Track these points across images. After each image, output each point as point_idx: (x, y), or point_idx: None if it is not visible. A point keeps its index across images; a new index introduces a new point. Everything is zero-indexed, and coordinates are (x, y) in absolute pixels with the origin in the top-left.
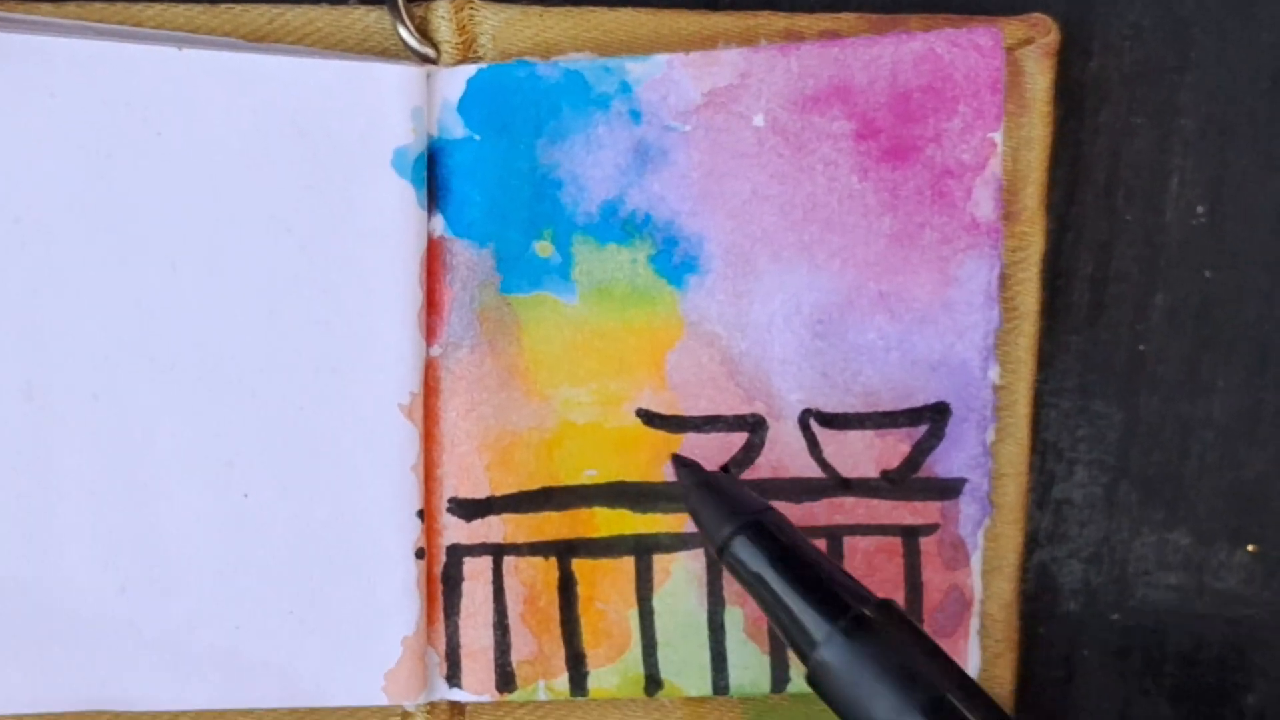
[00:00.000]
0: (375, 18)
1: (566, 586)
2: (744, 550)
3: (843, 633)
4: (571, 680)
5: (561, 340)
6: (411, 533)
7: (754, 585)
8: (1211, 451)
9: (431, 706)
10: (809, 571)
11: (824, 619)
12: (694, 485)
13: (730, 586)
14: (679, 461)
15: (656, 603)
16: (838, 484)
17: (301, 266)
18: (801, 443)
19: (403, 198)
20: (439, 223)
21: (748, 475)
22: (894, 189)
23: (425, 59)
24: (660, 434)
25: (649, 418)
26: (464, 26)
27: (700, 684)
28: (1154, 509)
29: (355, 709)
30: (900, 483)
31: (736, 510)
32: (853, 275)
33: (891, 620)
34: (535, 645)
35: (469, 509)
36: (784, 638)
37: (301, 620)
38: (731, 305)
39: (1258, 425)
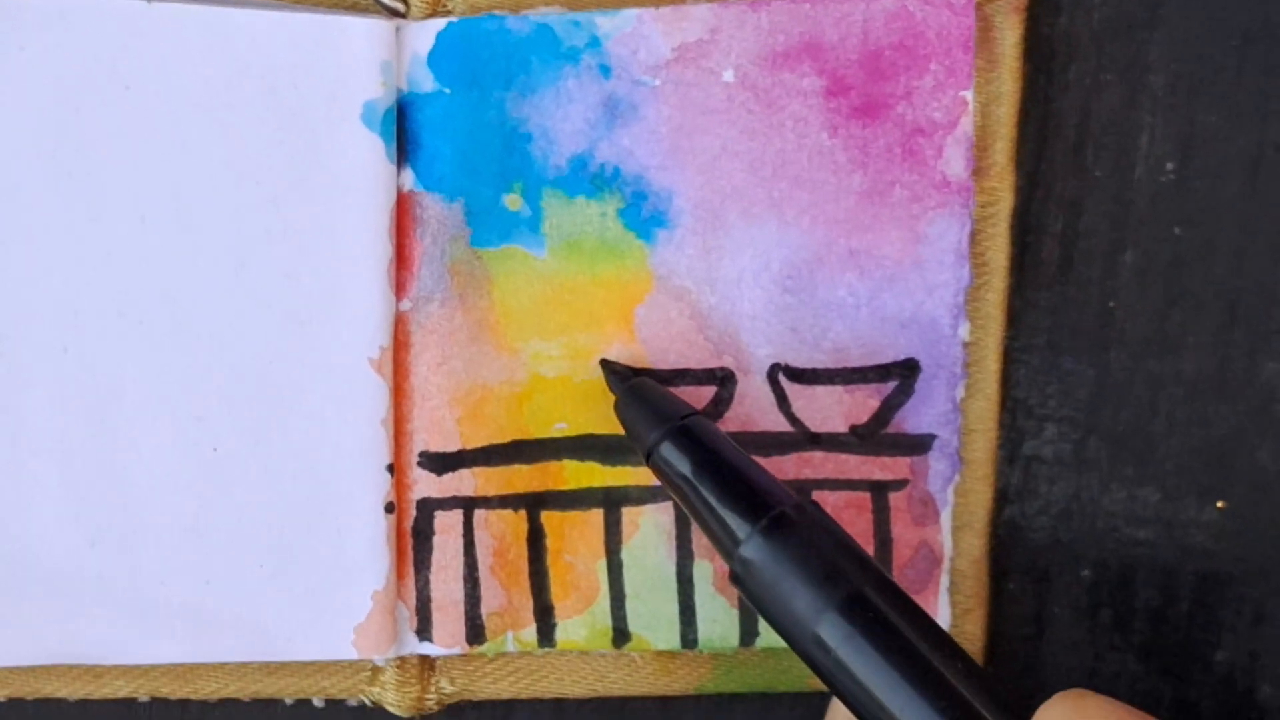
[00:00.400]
0: None
1: (535, 539)
2: (670, 454)
3: (763, 532)
4: (539, 632)
5: (531, 294)
6: (381, 487)
7: (680, 489)
8: (1181, 408)
9: (401, 661)
10: (732, 474)
11: (745, 519)
12: (622, 391)
13: (699, 540)
14: (608, 367)
15: (625, 555)
16: (806, 438)
17: (271, 220)
18: (770, 397)
19: (372, 151)
20: (409, 176)
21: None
22: (864, 146)
23: (394, 12)
24: None
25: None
26: None
27: (669, 637)
28: (1123, 465)
29: (325, 663)
30: (869, 438)
31: (663, 416)
32: (822, 232)
33: (811, 519)
34: (504, 597)
35: (439, 462)
36: (710, 540)
37: (271, 574)
38: (701, 260)
39: (1226, 382)
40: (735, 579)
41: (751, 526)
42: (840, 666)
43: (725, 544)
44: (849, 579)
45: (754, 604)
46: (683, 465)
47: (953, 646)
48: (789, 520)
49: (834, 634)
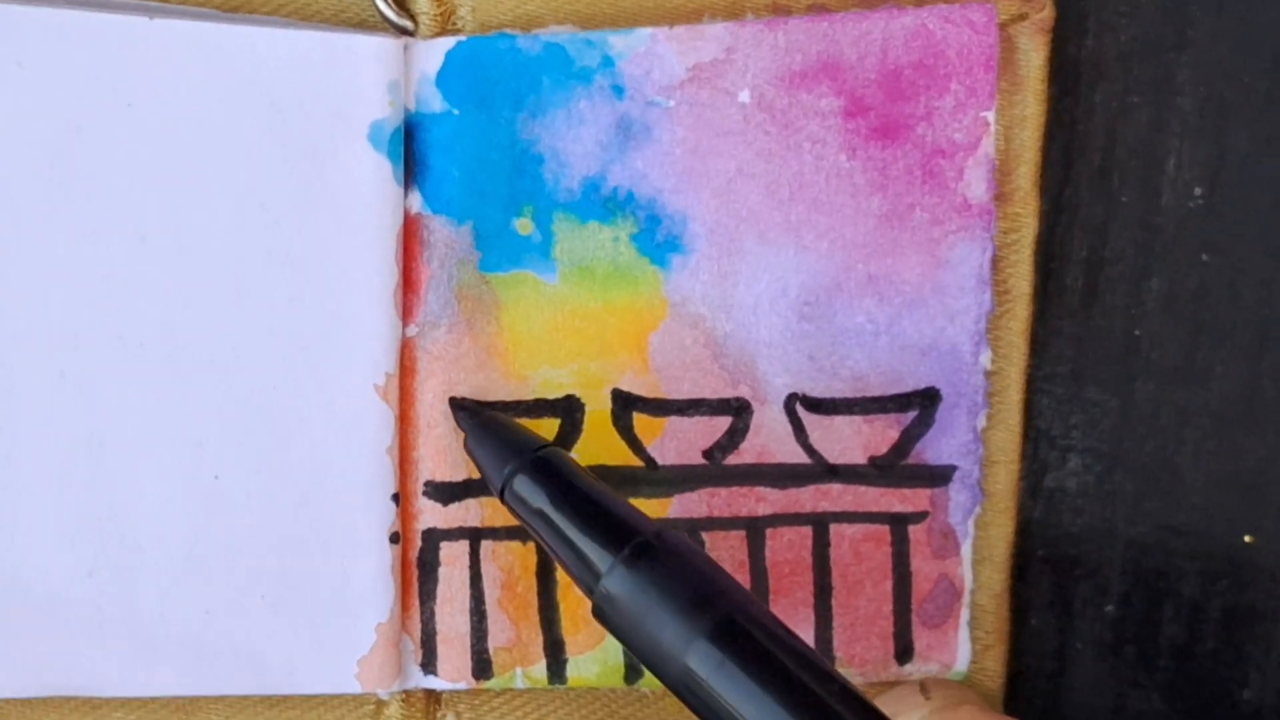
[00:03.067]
0: None
1: (545, 572)
2: (524, 488)
3: (625, 562)
4: (550, 668)
5: (541, 320)
6: (386, 517)
7: (536, 524)
8: (1208, 439)
9: (406, 695)
10: (590, 504)
11: (606, 550)
12: (472, 427)
13: None
14: (456, 405)
15: None
16: (824, 470)
17: (274, 243)
18: (787, 428)
19: (379, 173)
20: (416, 199)
21: (731, 460)
22: (883, 168)
23: (402, 31)
24: (643, 417)
25: (629, 401)
26: None
27: None
28: (1149, 498)
29: (328, 696)
30: (888, 469)
31: (515, 449)
32: (841, 256)
33: (674, 546)
34: (513, 632)
35: (445, 492)
36: (570, 576)
37: (273, 606)
38: (716, 286)
39: (1255, 412)
40: (599, 614)
41: (613, 557)
42: (712, 697)
43: (586, 578)
44: (717, 605)
45: (620, 638)
46: (538, 499)
47: (827, 671)
48: (651, 549)
49: (705, 663)
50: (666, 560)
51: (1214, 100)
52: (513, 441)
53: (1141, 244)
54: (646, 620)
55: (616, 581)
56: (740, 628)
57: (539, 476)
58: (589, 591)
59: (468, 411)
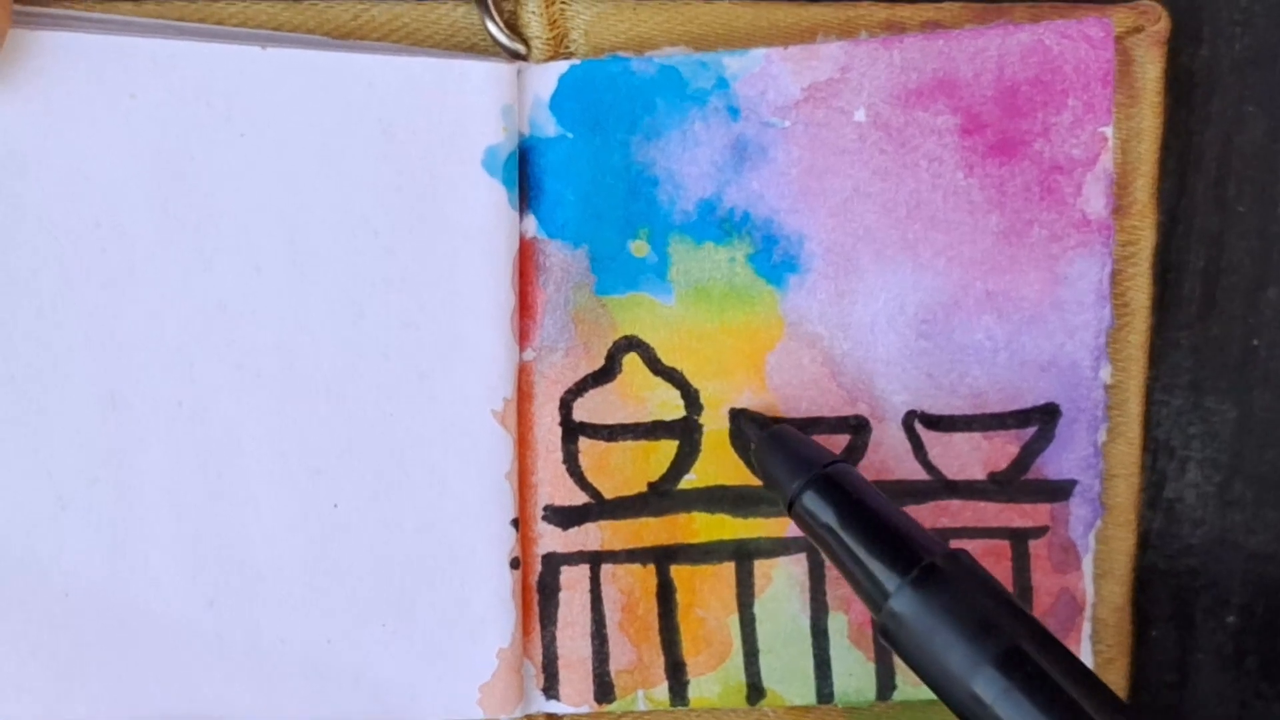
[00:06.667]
0: (463, 13)
1: (665, 594)
2: (813, 504)
3: (913, 584)
4: (671, 690)
5: (658, 342)
6: (506, 542)
7: (824, 539)
8: None
9: (528, 719)
10: (879, 523)
11: (894, 570)
12: (761, 439)
13: (834, 591)
14: (743, 415)
15: (758, 609)
16: (943, 487)
17: (389, 269)
18: (906, 445)
19: (494, 198)
20: (531, 223)
21: None
22: (1001, 185)
23: (515, 55)
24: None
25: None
26: (555, 21)
27: (804, 692)
28: (1269, 507)
29: None
30: (1008, 485)
31: (805, 464)
32: (959, 274)
33: (962, 569)
34: (634, 654)
35: (564, 516)
36: (856, 591)
37: (393, 632)
38: (833, 305)
39: None
40: (884, 632)
41: (900, 578)
42: None
43: (873, 596)
44: (1004, 632)
45: (904, 658)
46: (826, 515)
47: (1115, 701)
48: (939, 571)
49: (990, 689)
50: (954, 584)
51: None
52: (802, 455)
53: (1259, 254)
54: (933, 643)
55: (903, 603)
56: (1027, 655)
57: (828, 493)
58: (876, 610)
59: (756, 423)
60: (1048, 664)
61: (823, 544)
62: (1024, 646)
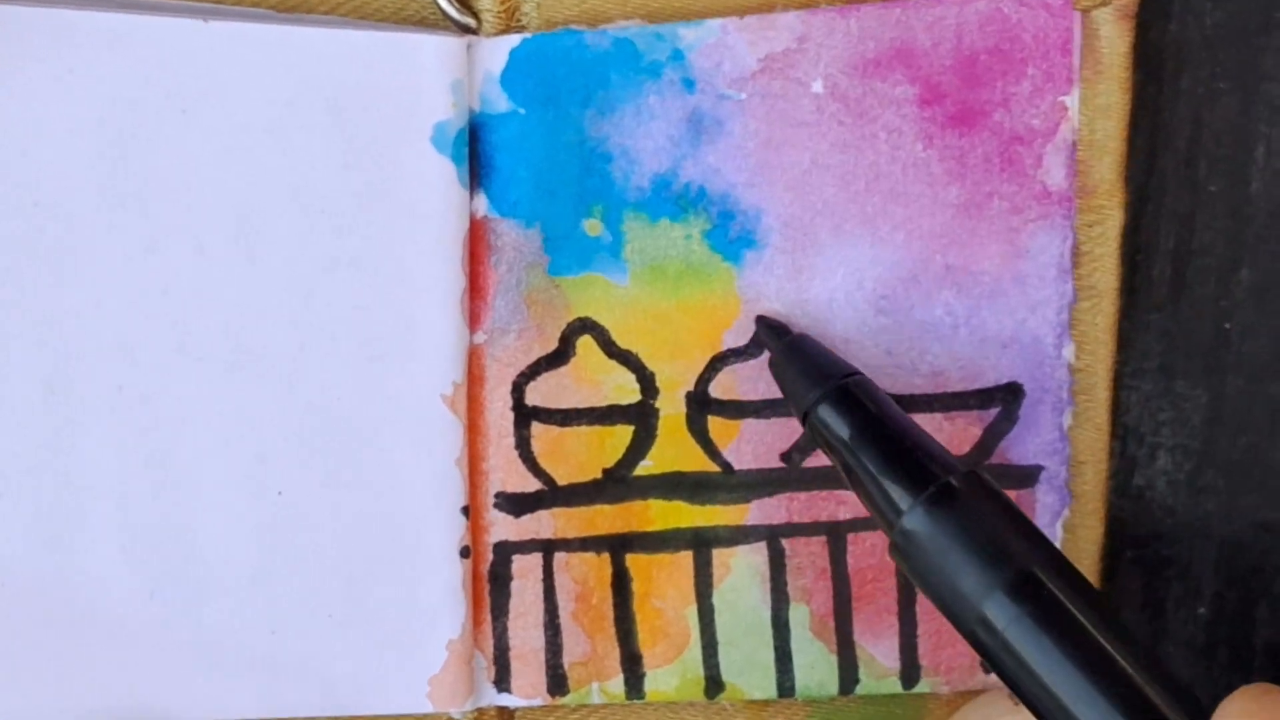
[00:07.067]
0: None
1: (621, 583)
2: (828, 416)
3: (927, 503)
4: (627, 682)
5: (613, 323)
6: (456, 530)
7: (839, 453)
8: None
9: (480, 713)
10: (896, 439)
11: (908, 489)
12: (779, 348)
13: (795, 582)
14: (764, 323)
15: (716, 599)
16: None
17: (337, 250)
18: None
19: (443, 176)
20: (482, 202)
21: (811, 462)
22: (960, 157)
23: (465, 29)
24: (718, 420)
25: (704, 404)
26: None
27: (764, 685)
28: (1242, 495)
29: (400, 716)
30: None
31: (822, 375)
32: (918, 248)
33: (978, 491)
34: (588, 646)
35: (516, 504)
36: (868, 508)
37: (341, 624)
38: (791, 281)
39: None
40: (895, 550)
41: (914, 498)
42: (1007, 649)
43: (885, 514)
44: (1019, 557)
45: (913, 578)
46: (841, 429)
47: (1128, 634)
48: (955, 492)
49: (1001, 615)
50: (970, 506)
51: None
52: (820, 366)
53: (1231, 234)
54: (943, 565)
55: (916, 522)
56: (1041, 582)
57: (844, 406)
58: (888, 528)
59: (775, 331)
60: (1062, 592)
61: (837, 459)
62: (1038, 573)
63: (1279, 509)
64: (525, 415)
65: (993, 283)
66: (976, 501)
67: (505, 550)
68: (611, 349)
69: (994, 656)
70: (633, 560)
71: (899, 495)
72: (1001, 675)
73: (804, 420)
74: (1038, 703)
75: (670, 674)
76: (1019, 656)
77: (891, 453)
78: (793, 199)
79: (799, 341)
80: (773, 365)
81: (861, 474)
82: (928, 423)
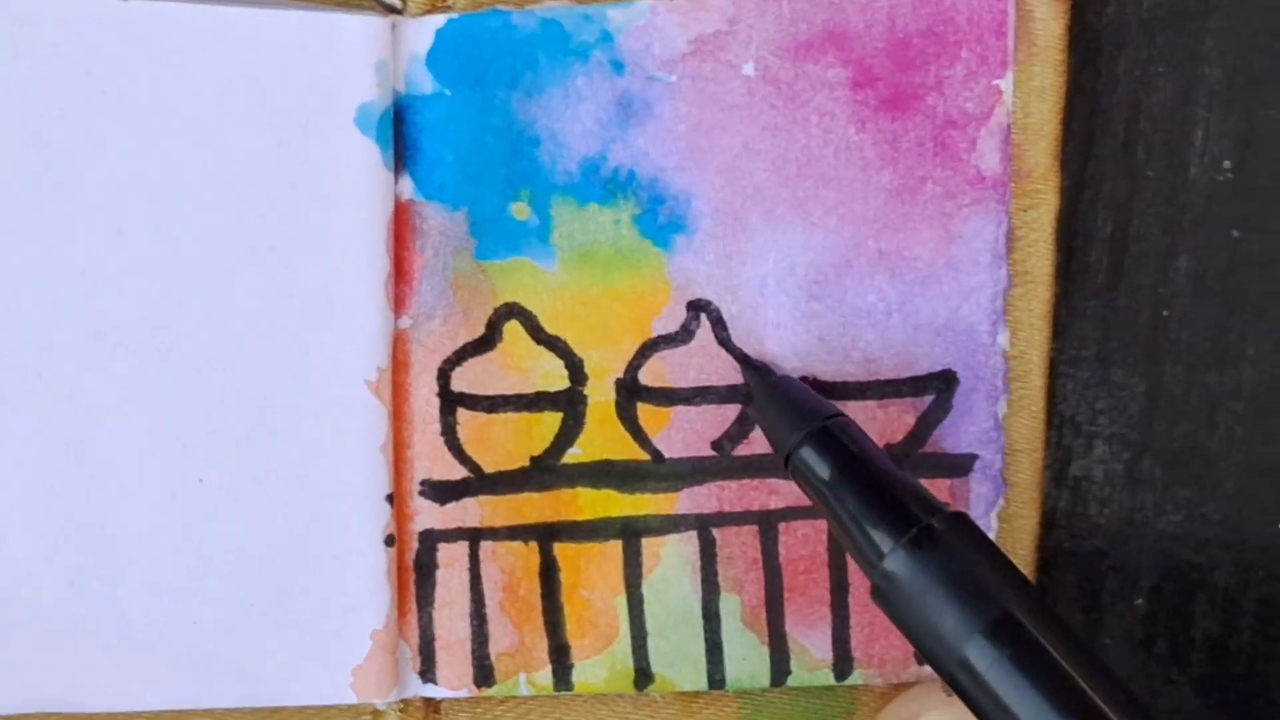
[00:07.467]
0: None
1: (549, 573)
2: (810, 458)
3: (908, 545)
4: (555, 674)
5: (541, 309)
6: (380, 518)
7: (820, 496)
8: (1240, 424)
9: (405, 704)
10: (876, 481)
11: (888, 531)
12: (761, 390)
13: (726, 572)
14: (748, 363)
15: (646, 590)
16: None
17: (259, 233)
18: None
19: (367, 158)
20: (407, 185)
21: (742, 451)
22: (893, 140)
23: (390, 9)
24: (647, 407)
25: (633, 391)
26: None
27: (694, 677)
28: (1179, 486)
29: (323, 708)
30: (905, 459)
31: (804, 416)
32: (850, 233)
33: (960, 533)
34: (516, 636)
35: (443, 491)
36: (849, 550)
37: (263, 614)
38: (721, 267)
39: None
40: (876, 594)
41: (895, 540)
42: (987, 692)
43: (867, 556)
44: (1000, 600)
45: (895, 621)
46: (823, 470)
47: (1110, 677)
48: (936, 534)
49: (982, 658)
50: (951, 548)
51: (1243, 69)
52: (801, 408)
53: (1168, 220)
54: (925, 608)
55: (897, 564)
56: (1021, 625)
57: (825, 448)
58: (869, 570)
59: (757, 372)
60: (1043, 635)
61: (820, 501)
62: (1019, 616)
63: (1217, 500)
64: (451, 402)
65: (926, 268)
66: (957, 544)
67: (431, 539)
68: (540, 335)
69: (974, 699)
70: (561, 550)
71: (880, 537)
72: (982, 717)
73: (786, 463)
74: None
75: (599, 665)
76: (999, 700)
77: (872, 495)
78: (723, 183)
79: (782, 383)
80: (753, 406)
81: (843, 515)
82: (860, 410)
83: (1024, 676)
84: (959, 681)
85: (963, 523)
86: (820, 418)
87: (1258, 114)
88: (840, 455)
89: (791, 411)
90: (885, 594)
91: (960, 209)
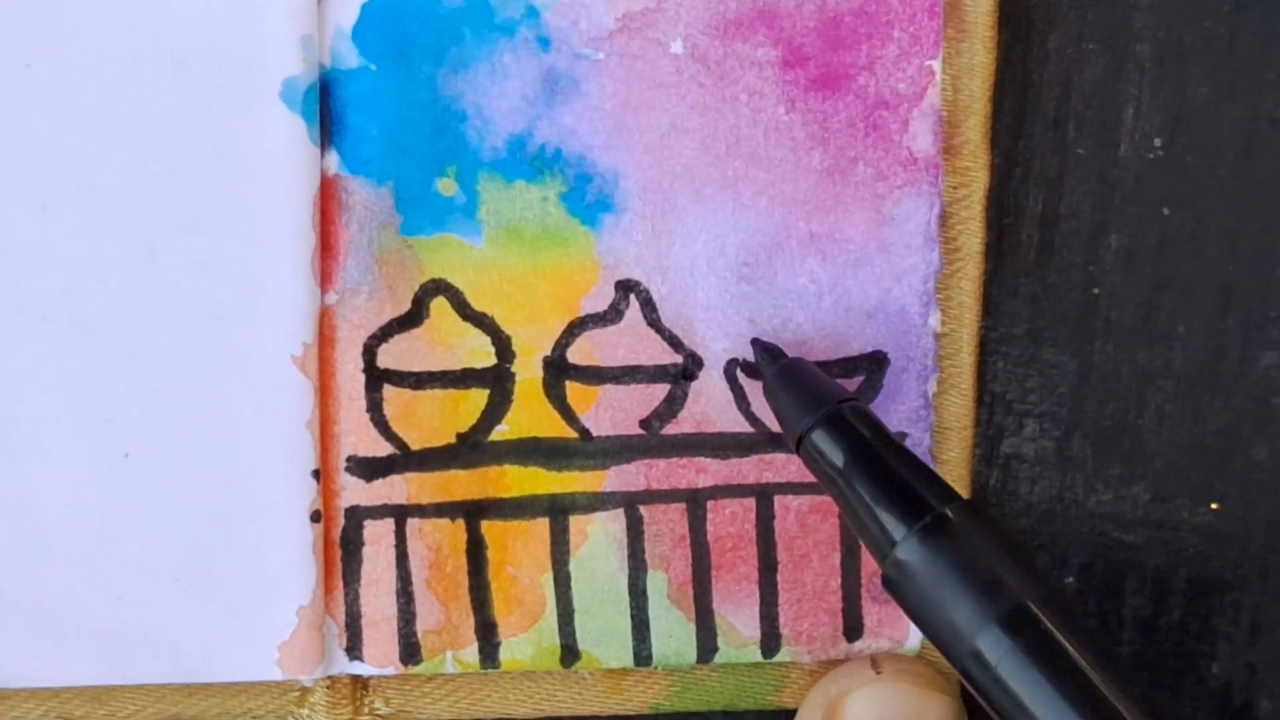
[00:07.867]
0: None
1: (475, 550)
2: (822, 443)
3: (920, 534)
4: (482, 651)
5: (467, 286)
6: (306, 494)
7: (832, 481)
8: (1171, 402)
9: (332, 681)
10: (890, 467)
11: (901, 519)
12: (772, 373)
13: (653, 549)
14: (759, 345)
15: (573, 567)
16: (767, 439)
17: (184, 208)
18: (728, 395)
19: (293, 132)
20: (333, 159)
21: (670, 429)
22: (824, 121)
23: None
24: (576, 385)
25: (561, 369)
26: None
27: (621, 654)
28: (1110, 464)
29: (249, 684)
30: None
31: (816, 400)
32: (781, 214)
33: (974, 522)
34: (442, 614)
35: (369, 468)
36: (860, 537)
37: (187, 590)
38: (650, 247)
39: (1220, 374)
40: (887, 582)
41: (908, 528)
42: (999, 684)
43: (879, 544)
44: (1013, 590)
45: (906, 610)
46: (835, 456)
47: (1123, 669)
48: (950, 523)
49: (994, 649)
50: (964, 537)
51: (1174, 46)
52: (814, 391)
53: (1099, 198)
54: (937, 597)
55: (909, 553)
56: (1034, 615)
57: (838, 433)
58: (880, 558)
59: (769, 354)
60: (1057, 626)
61: (832, 486)
62: (1033, 606)
63: (1147, 478)
64: (377, 378)
65: (858, 250)
66: (971, 533)
67: (357, 515)
68: (466, 311)
69: (986, 690)
70: (488, 527)
71: (892, 525)
72: (993, 708)
73: (798, 447)
74: None
75: (525, 643)
76: (1012, 691)
77: (885, 481)
78: (651, 162)
79: (793, 365)
80: (766, 390)
81: (854, 501)
82: None
83: (1037, 668)
84: (971, 672)
85: (977, 511)
86: (834, 401)
87: (1188, 91)
88: (853, 440)
89: (804, 394)
90: (896, 583)
91: (892, 190)
